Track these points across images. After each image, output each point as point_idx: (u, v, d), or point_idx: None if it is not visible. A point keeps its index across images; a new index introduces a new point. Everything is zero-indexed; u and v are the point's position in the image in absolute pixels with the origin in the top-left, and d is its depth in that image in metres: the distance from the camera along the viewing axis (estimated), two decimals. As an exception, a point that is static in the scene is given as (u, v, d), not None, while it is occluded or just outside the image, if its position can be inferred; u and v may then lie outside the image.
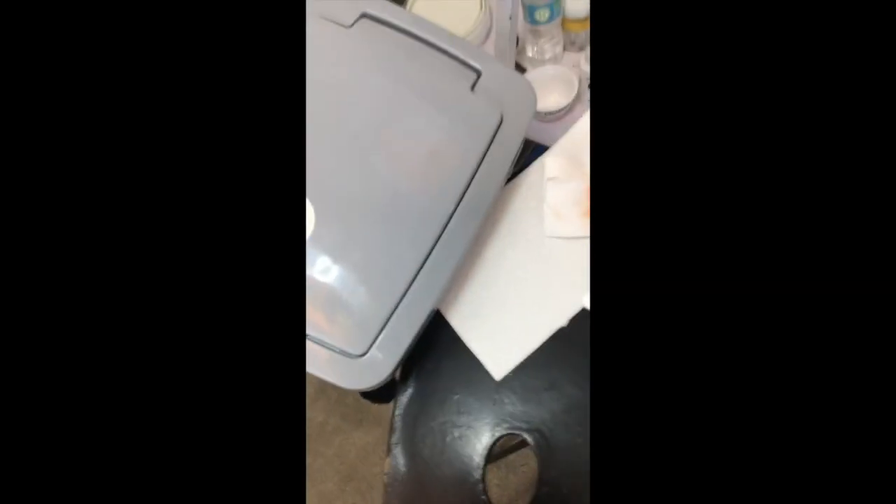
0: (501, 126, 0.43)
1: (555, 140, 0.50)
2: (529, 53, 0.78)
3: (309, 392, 1.22)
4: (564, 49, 0.81)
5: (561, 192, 0.44)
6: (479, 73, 0.44)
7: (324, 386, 1.22)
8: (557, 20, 0.74)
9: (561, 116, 0.60)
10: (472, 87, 0.44)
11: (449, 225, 0.40)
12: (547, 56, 0.77)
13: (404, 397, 0.45)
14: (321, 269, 0.38)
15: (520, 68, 0.82)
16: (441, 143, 0.42)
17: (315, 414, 1.21)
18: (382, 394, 1.28)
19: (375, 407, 1.21)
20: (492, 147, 0.42)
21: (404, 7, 0.88)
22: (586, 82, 0.71)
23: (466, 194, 0.41)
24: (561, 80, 0.75)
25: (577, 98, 0.76)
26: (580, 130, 0.49)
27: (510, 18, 0.64)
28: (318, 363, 0.38)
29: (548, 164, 0.46)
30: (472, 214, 0.41)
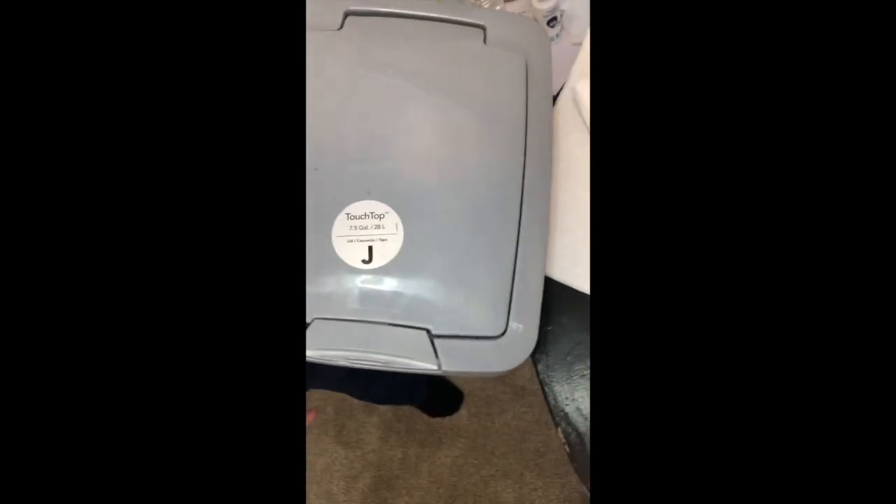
0: (529, 68, 0.42)
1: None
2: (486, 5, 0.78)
3: (377, 434, 1.18)
4: (505, 1, 0.81)
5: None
6: (484, 28, 0.43)
7: (389, 422, 1.18)
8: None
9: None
10: (484, 40, 0.43)
11: (525, 182, 0.39)
12: (494, 5, 0.77)
13: (543, 367, 0.43)
14: (430, 271, 0.36)
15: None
16: (481, 105, 0.40)
17: (392, 452, 1.17)
18: (446, 406, 1.25)
19: (447, 421, 1.19)
20: (529, 91, 0.41)
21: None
22: (543, 18, 0.71)
23: (528, 143, 0.40)
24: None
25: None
26: (587, 52, 0.48)
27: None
28: (464, 359, 0.36)
29: (580, 90, 0.45)
30: (540, 163, 0.40)
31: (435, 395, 1.15)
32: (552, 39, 0.75)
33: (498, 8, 0.78)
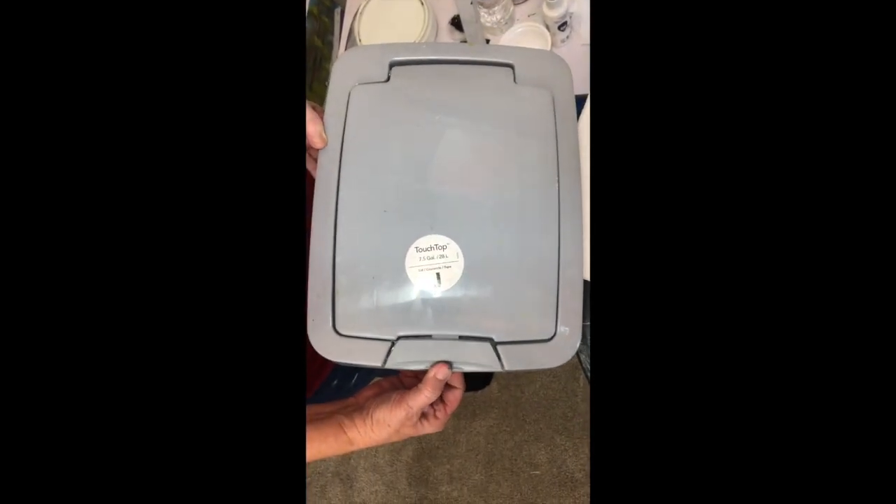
0: (555, 99, 0.48)
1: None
2: (487, 23, 0.82)
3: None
4: (515, 4, 0.85)
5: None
6: (512, 66, 0.49)
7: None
8: (504, -15, 0.77)
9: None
10: (514, 80, 0.48)
11: (560, 200, 0.46)
12: (502, 18, 0.82)
13: (585, 357, 0.51)
14: (489, 290, 0.43)
15: (486, 41, 0.86)
16: (517, 137, 0.47)
17: (432, 427, 1.27)
18: (478, 382, 1.34)
19: (480, 395, 1.28)
20: (557, 120, 0.47)
21: (351, 29, 0.90)
22: (554, 24, 0.76)
23: (560, 168, 0.46)
24: (532, 33, 0.80)
25: (554, 42, 0.81)
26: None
27: (472, 3, 0.68)
28: (522, 360, 0.44)
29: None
30: (571, 183, 0.46)
31: (467, 373, 1.25)
32: (562, 41, 0.80)
33: (510, 10, 0.82)
